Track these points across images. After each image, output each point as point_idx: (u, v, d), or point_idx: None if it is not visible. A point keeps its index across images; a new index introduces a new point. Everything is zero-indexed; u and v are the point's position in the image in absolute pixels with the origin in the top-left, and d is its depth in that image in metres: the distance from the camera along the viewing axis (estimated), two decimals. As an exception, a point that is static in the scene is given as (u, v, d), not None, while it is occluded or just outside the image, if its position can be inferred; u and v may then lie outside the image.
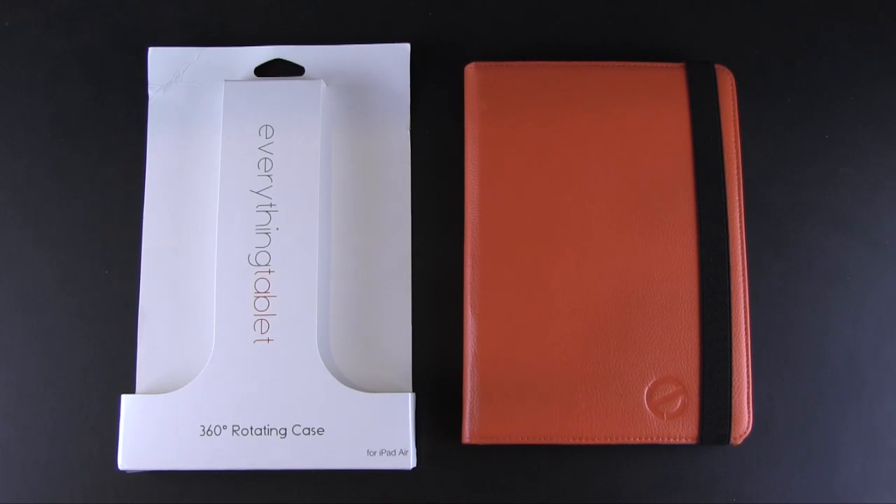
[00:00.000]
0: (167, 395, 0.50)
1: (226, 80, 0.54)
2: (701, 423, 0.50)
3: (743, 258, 0.52)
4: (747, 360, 0.51)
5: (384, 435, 0.50)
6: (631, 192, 0.52)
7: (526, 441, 0.50)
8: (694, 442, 0.50)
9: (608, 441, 0.50)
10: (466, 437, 0.50)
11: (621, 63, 0.54)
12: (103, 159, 0.55)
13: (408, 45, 0.55)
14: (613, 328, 0.51)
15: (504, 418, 0.50)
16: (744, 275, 0.52)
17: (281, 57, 0.55)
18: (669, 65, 0.54)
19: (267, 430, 0.50)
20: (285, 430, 0.50)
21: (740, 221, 0.52)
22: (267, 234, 0.52)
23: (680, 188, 0.52)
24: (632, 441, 0.50)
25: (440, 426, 0.52)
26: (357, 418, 0.50)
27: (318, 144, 0.53)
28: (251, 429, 0.50)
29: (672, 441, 0.50)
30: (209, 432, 0.50)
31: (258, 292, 0.51)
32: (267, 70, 0.55)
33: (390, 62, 0.55)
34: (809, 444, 0.53)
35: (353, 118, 0.55)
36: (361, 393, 0.51)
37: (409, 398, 0.51)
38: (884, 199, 0.55)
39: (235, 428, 0.50)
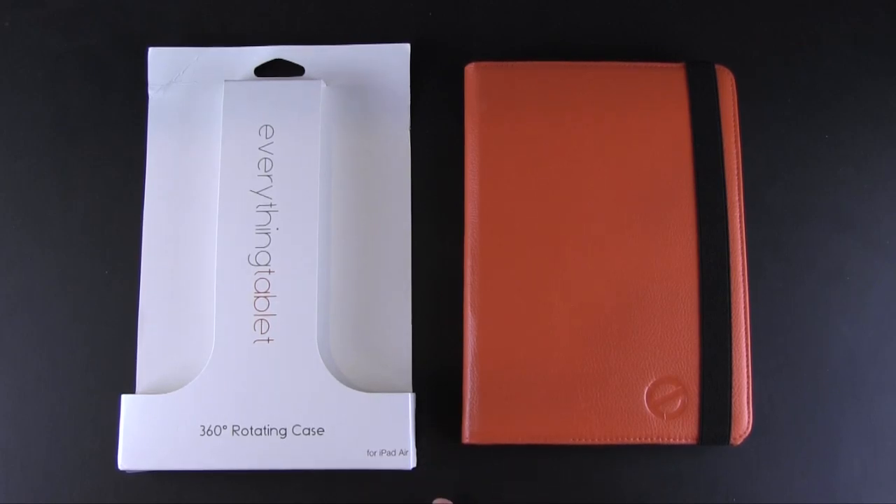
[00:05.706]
0: (167, 395, 0.50)
1: (226, 80, 0.54)
2: (701, 423, 0.50)
3: (743, 258, 0.52)
4: (747, 360, 0.51)
5: (384, 435, 0.50)
6: (631, 192, 0.52)
7: (526, 441, 0.50)
8: (694, 442, 0.50)
9: (608, 441, 0.50)
10: (466, 437, 0.50)
11: (621, 63, 0.54)
12: (103, 159, 0.55)
13: (408, 45, 0.55)
14: (613, 328, 0.51)
15: (504, 418, 0.50)
16: (744, 275, 0.52)
17: (281, 57, 0.55)
18: (669, 65, 0.54)
19: (267, 430, 0.50)
20: (285, 430, 0.50)
21: (740, 221, 0.52)
22: (267, 234, 0.52)
23: (680, 188, 0.52)
24: (632, 441, 0.50)
25: (440, 426, 0.52)
26: (357, 418, 0.50)
27: (318, 144, 0.53)
28: (251, 429, 0.50)
29: (672, 441, 0.50)
30: (209, 432, 0.50)
31: (258, 292, 0.51)
32: (267, 70, 0.55)
33: (390, 62, 0.55)
34: (809, 444, 0.53)
35: (353, 118, 0.55)
36: (361, 393, 0.51)
37: (409, 398, 0.51)
38: (884, 199, 0.55)
39: (235, 428, 0.50)
